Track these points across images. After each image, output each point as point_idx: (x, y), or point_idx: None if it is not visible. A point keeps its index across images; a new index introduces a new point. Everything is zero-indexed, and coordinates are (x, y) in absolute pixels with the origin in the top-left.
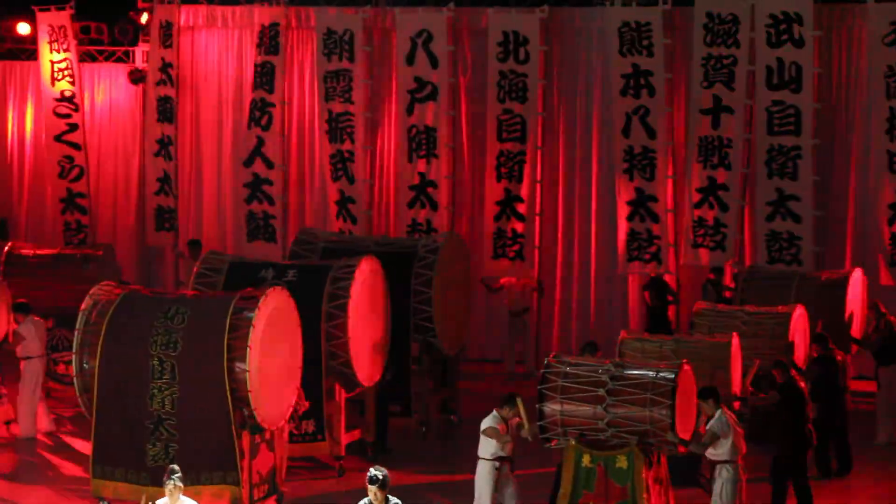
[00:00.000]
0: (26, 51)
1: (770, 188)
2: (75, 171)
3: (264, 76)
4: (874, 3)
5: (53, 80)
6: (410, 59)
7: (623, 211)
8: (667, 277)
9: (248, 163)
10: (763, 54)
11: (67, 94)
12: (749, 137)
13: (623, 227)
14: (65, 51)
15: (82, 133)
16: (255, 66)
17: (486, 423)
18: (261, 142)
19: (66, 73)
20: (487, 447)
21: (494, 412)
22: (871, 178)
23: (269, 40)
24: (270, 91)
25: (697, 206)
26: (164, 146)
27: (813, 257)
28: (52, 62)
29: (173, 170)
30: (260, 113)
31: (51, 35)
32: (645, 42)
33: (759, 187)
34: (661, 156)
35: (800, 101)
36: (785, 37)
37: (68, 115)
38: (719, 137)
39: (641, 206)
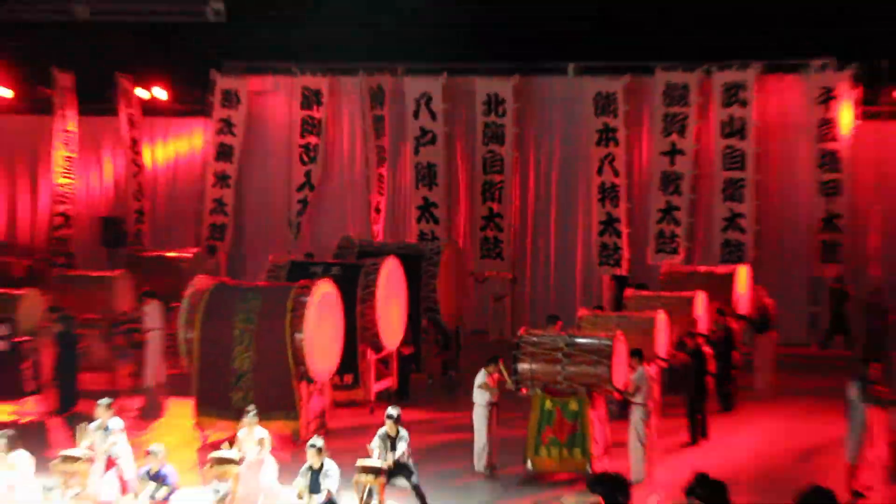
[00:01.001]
0: (160, 110)
1: (725, 209)
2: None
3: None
4: (810, 74)
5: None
6: (416, 115)
7: (596, 230)
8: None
9: (301, 188)
10: (718, 112)
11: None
12: (696, 172)
13: (596, 242)
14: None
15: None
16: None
17: (479, 379)
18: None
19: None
20: (483, 396)
21: (483, 370)
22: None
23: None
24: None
25: (658, 222)
26: (221, 179)
27: (753, 258)
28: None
29: (231, 196)
30: (310, 152)
31: (122, 98)
32: (612, 107)
33: (715, 209)
34: (623, 189)
35: (745, 146)
36: (734, 98)
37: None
38: (675, 172)
39: (610, 226)
